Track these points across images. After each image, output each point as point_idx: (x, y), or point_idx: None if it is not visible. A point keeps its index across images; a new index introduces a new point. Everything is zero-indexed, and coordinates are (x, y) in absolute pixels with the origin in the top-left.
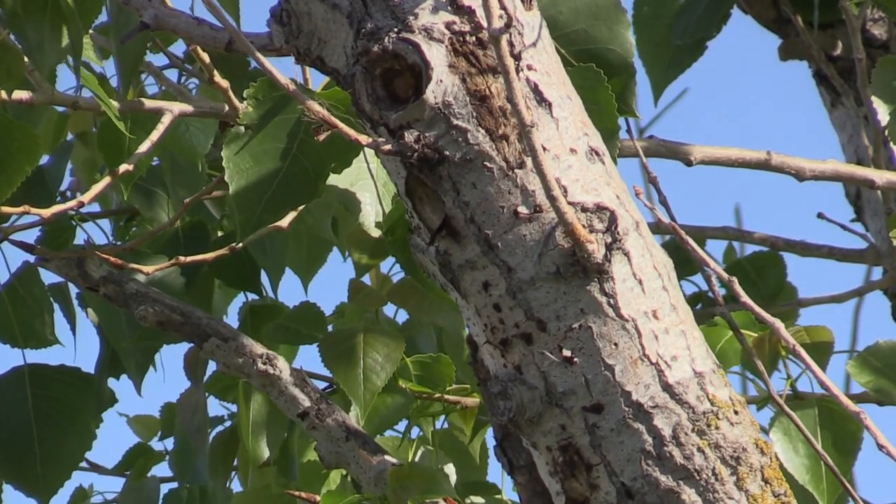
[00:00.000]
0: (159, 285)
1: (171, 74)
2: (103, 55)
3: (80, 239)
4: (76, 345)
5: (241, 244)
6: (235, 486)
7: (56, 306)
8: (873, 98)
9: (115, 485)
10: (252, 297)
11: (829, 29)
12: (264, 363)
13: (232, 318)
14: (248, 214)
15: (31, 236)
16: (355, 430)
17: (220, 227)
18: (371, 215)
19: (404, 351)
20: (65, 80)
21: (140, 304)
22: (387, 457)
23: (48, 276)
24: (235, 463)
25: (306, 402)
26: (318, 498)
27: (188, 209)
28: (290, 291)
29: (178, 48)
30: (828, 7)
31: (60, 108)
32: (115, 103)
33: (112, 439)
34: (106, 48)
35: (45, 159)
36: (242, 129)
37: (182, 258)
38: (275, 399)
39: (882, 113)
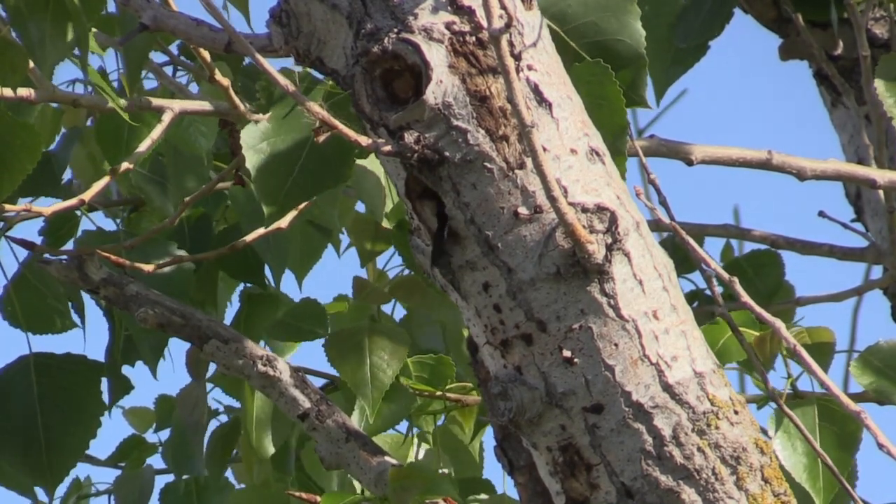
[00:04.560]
0: (169, 272)
1: (171, 71)
2: (102, 50)
3: (82, 229)
4: (85, 332)
5: (239, 245)
6: (233, 482)
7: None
8: (878, 83)
9: (108, 476)
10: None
11: (830, 28)
12: (264, 364)
13: (232, 311)
14: (271, 199)
15: (35, 225)
16: (355, 432)
17: (223, 218)
18: (381, 206)
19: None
20: (60, 74)
21: (140, 307)
22: (387, 457)
23: None
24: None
25: (306, 404)
26: (318, 498)
27: (190, 205)
28: (288, 287)
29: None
30: (828, 6)
31: (55, 105)
32: (121, 100)
33: (104, 430)
34: (105, 44)
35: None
36: (258, 118)
37: (183, 254)
38: (275, 400)
39: (888, 101)
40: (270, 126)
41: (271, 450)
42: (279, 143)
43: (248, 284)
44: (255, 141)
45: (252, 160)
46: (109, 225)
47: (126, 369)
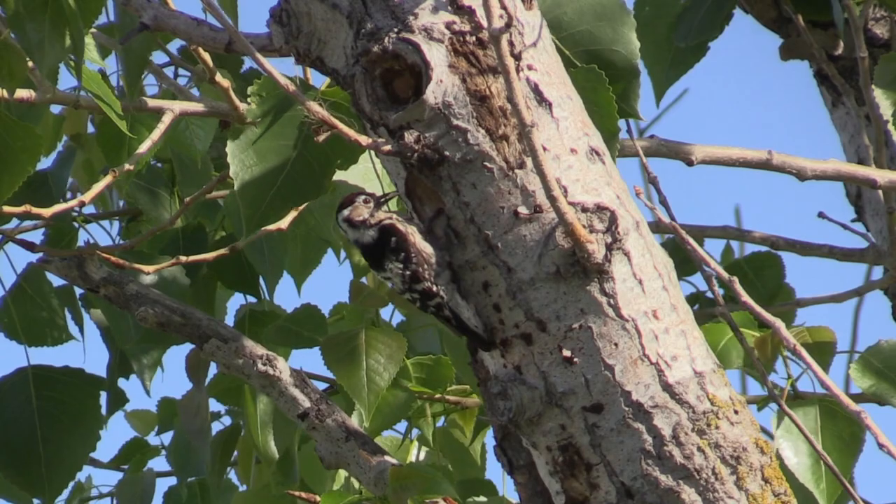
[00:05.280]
0: (164, 283)
1: (171, 72)
2: (104, 53)
3: (82, 241)
4: (84, 345)
5: (240, 245)
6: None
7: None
8: (875, 91)
9: (111, 478)
10: (250, 299)
11: (831, 28)
12: (264, 364)
13: (229, 318)
14: (253, 210)
15: (34, 240)
16: (355, 431)
17: (220, 227)
18: None
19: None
20: (66, 77)
21: (140, 306)
22: (387, 457)
23: (54, 279)
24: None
25: (306, 403)
26: (318, 498)
27: (188, 209)
28: (287, 292)
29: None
30: (829, 6)
31: (56, 111)
32: (118, 104)
33: (106, 432)
34: (107, 46)
35: (44, 162)
36: (247, 125)
37: (182, 258)
38: (275, 400)
39: (885, 108)
40: (257, 135)
41: (276, 452)
42: (265, 153)
43: (246, 297)
44: (241, 150)
45: (236, 171)
46: (107, 239)
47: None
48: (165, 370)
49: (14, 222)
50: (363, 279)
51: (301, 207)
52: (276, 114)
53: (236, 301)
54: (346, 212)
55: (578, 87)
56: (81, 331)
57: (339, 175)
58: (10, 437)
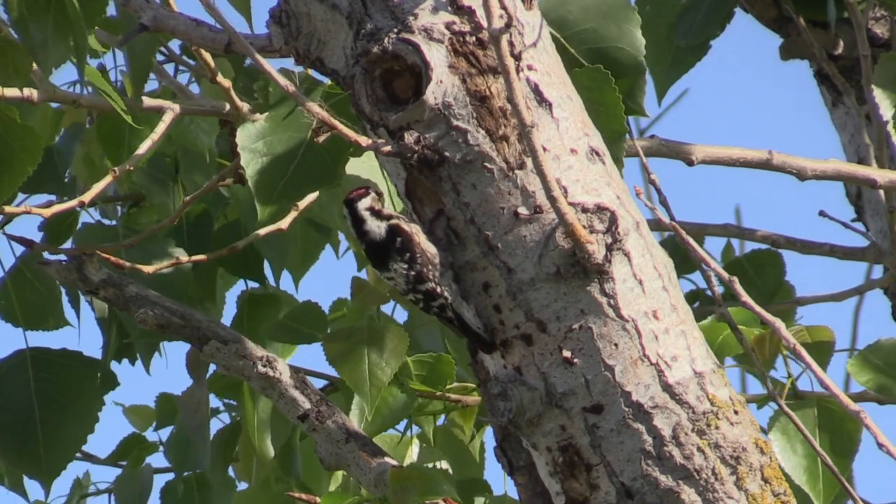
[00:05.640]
0: (167, 270)
1: (172, 69)
2: (104, 47)
3: (82, 222)
4: (80, 329)
5: (241, 245)
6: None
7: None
8: (875, 91)
9: (109, 474)
10: (252, 284)
11: (831, 27)
12: (264, 365)
13: (230, 306)
14: (266, 198)
15: (34, 218)
16: (355, 432)
17: (223, 214)
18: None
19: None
20: (64, 73)
21: (140, 307)
22: (387, 458)
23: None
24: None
25: (306, 405)
26: (318, 499)
27: (192, 203)
28: (286, 288)
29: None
30: (828, 5)
31: (56, 105)
32: (118, 97)
33: (105, 429)
34: (106, 42)
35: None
36: (255, 118)
37: (181, 258)
38: (275, 401)
39: (885, 107)
40: (267, 126)
41: (272, 452)
42: (275, 143)
43: (248, 282)
44: (251, 141)
45: (247, 160)
46: (108, 221)
47: (126, 368)
48: (166, 367)
49: (15, 202)
50: (363, 274)
51: (302, 208)
52: (284, 104)
53: (237, 292)
54: (367, 201)
55: (584, 86)
56: (78, 314)
57: (348, 169)
58: (8, 419)
